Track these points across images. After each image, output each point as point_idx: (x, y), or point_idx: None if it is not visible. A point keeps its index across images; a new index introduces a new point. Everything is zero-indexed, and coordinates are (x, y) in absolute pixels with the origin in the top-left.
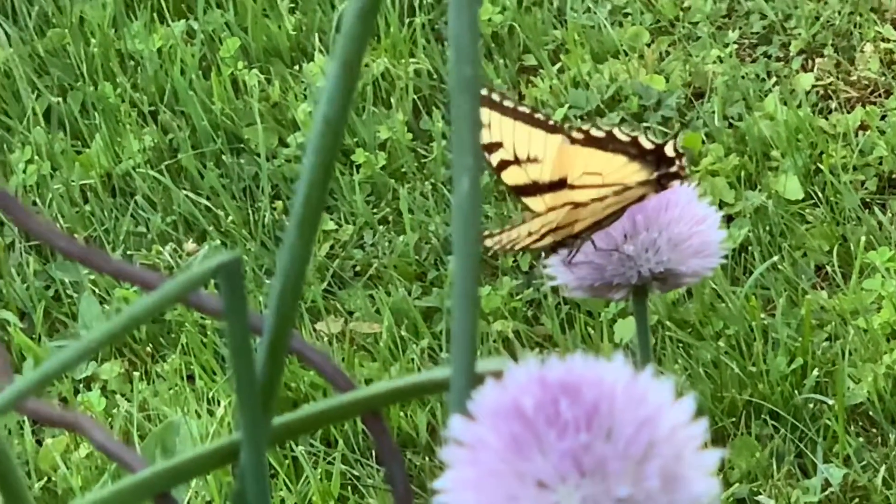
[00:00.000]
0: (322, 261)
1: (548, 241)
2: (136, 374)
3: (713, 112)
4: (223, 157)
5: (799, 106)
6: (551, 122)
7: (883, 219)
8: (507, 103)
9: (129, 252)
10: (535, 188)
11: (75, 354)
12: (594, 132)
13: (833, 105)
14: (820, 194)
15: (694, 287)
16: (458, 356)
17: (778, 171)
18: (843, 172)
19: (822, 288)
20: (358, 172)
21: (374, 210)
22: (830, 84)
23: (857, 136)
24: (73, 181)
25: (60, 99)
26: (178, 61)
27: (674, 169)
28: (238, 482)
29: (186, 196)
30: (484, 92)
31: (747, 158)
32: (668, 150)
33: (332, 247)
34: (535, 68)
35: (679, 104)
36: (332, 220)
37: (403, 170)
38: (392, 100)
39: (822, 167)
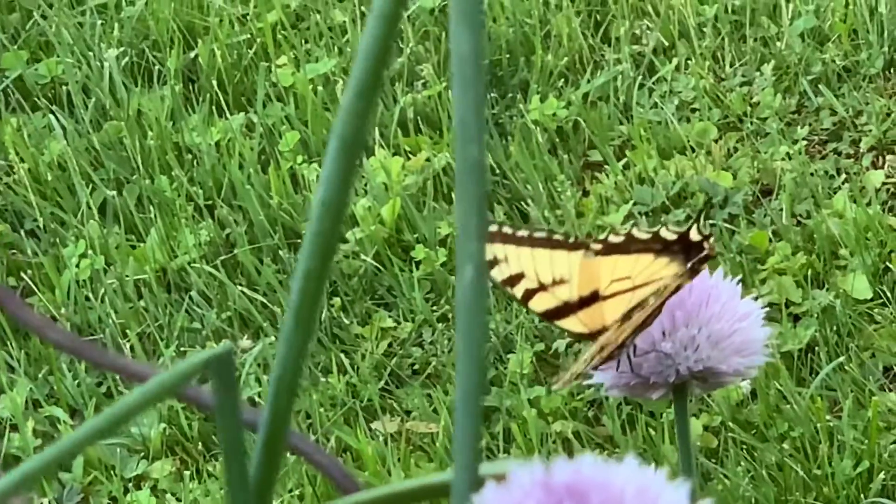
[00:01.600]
0: (380, 359)
1: (597, 361)
2: (188, 472)
3: (781, 209)
4: (280, 252)
5: (868, 204)
6: (571, 241)
7: None
8: (520, 234)
9: (182, 348)
10: (566, 309)
11: (56, 453)
12: (612, 239)
13: None
14: (889, 294)
15: (759, 388)
16: (460, 456)
17: (846, 269)
18: None
19: (891, 390)
20: (417, 269)
21: (434, 307)
22: None
23: None
24: (127, 276)
25: (116, 192)
26: (237, 155)
27: (703, 254)
28: None
29: (242, 292)
30: (494, 227)
31: (815, 257)
32: (693, 236)
33: (390, 345)
34: (601, 164)
35: (746, 201)
36: (390, 317)
37: None
38: (453, 195)
39: (891, 266)
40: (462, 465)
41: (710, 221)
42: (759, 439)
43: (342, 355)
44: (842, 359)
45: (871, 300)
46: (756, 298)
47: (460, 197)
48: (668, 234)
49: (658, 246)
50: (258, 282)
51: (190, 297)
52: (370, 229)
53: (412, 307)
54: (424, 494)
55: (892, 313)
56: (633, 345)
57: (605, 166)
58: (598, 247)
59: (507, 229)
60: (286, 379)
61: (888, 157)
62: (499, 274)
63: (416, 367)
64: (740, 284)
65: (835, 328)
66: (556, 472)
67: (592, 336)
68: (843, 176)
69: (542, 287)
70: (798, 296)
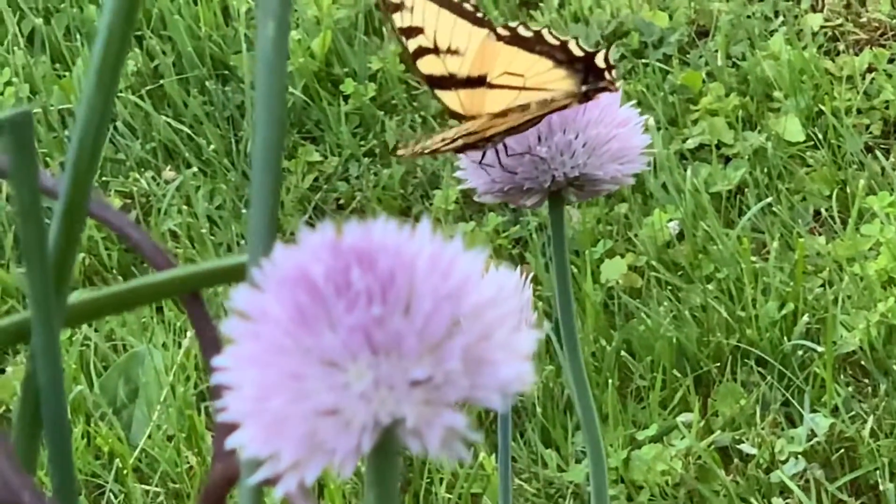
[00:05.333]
0: (304, 193)
1: (459, 143)
2: None
3: (716, 51)
4: (207, 83)
5: (805, 47)
6: (479, 15)
7: (886, 164)
8: None
9: (105, 178)
10: (451, 81)
11: None
12: (521, 31)
13: (841, 47)
14: (821, 137)
15: (686, 229)
16: (257, 220)
17: (779, 112)
18: (847, 116)
19: (820, 233)
20: (346, 103)
21: (361, 142)
22: (840, 25)
23: (863, 79)
24: (52, 105)
25: (44, 21)
26: None
27: (602, 83)
28: (30, 363)
29: (168, 123)
30: None
31: (748, 99)
32: (599, 61)
33: (315, 179)
34: (537, 2)
35: (681, 42)
36: (317, 151)
37: (394, 101)
38: (385, 30)
39: (825, 109)
40: (258, 227)
41: (644, 61)
42: (684, 280)
43: None
44: (769, 199)
45: (804, 143)
46: (686, 139)
47: None
48: (576, 49)
49: (561, 56)
50: (184, 113)
51: (115, 128)
52: (299, 62)
53: (339, 141)
54: (225, 274)
55: (823, 156)
56: (503, 145)
57: (541, 4)
58: (505, 33)
59: None
60: (87, 142)
61: (827, 0)
62: (399, 20)
63: (340, 201)
64: (620, 90)
65: (765, 170)
66: (347, 235)
67: (466, 119)
68: (781, 18)
69: (436, 50)
70: (730, 137)
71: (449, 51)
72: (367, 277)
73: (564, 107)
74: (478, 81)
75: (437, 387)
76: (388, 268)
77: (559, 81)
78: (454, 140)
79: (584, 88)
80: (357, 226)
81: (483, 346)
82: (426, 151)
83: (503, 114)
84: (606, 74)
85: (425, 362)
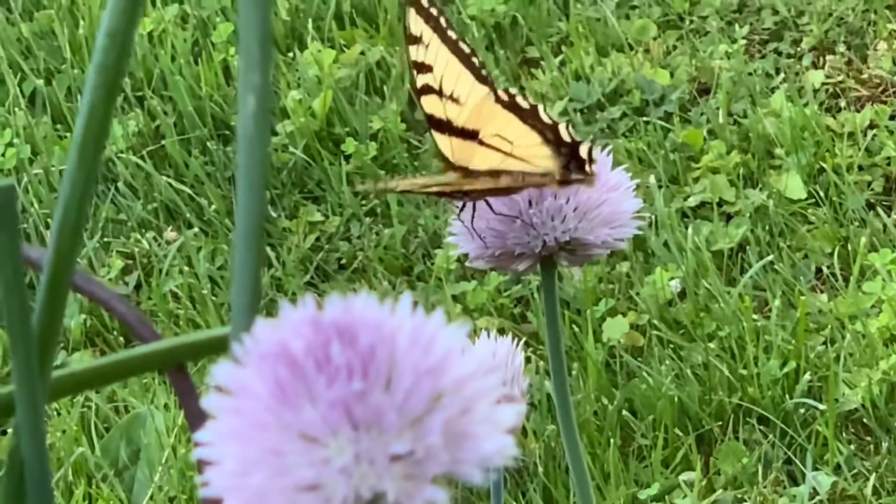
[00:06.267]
0: (306, 253)
1: (433, 190)
2: None
3: (717, 109)
4: (208, 143)
5: (806, 104)
6: (483, 72)
7: (887, 221)
8: (451, 33)
9: (107, 239)
10: (447, 126)
11: None
12: (520, 101)
13: (842, 103)
14: (823, 194)
15: (687, 287)
16: (239, 294)
17: (781, 169)
18: (849, 172)
19: (822, 290)
20: (347, 163)
21: (363, 202)
22: (841, 82)
23: (865, 135)
24: (53, 166)
25: (45, 82)
26: (169, 46)
27: (579, 175)
28: (14, 437)
29: (169, 183)
30: (434, 10)
31: (750, 156)
32: (582, 151)
33: (317, 238)
34: (538, 60)
35: (683, 100)
36: (318, 211)
37: (395, 161)
38: (386, 89)
39: (826, 167)
40: (241, 302)
41: (645, 119)
42: (685, 339)
43: (268, 248)
44: (771, 257)
45: (805, 200)
46: (687, 197)
47: (243, 26)
48: (564, 134)
49: (550, 136)
50: (185, 174)
51: (116, 188)
52: (300, 122)
53: (341, 201)
54: (208, 347)
55: (825, 214)
56: (491, 210)
57: (542, 63)
58: (504, 98)
59: (444, 21)
60: (70, 217)
61: (829, 57)
62: (414, 53)
63: (342, 261)
64: (611, 155)
65: (767, 228)
66: (327, 310)
67: (454, 167)
68: (782, 75)
69: (440, 93)
70: (731, 195)
71: (451, 97)
72: (348, 352)
73: (540, 185)
74: (471, 135)
75: (418, 461)
76: (368, 343)
77: (543, 159)
78: (427, 186)
79: (560, 176)
80: (338, 300)
81: (464, 420)
82: (396, 189)
83: (475, 174)
84: (587, 167)
85: (406, 437)
